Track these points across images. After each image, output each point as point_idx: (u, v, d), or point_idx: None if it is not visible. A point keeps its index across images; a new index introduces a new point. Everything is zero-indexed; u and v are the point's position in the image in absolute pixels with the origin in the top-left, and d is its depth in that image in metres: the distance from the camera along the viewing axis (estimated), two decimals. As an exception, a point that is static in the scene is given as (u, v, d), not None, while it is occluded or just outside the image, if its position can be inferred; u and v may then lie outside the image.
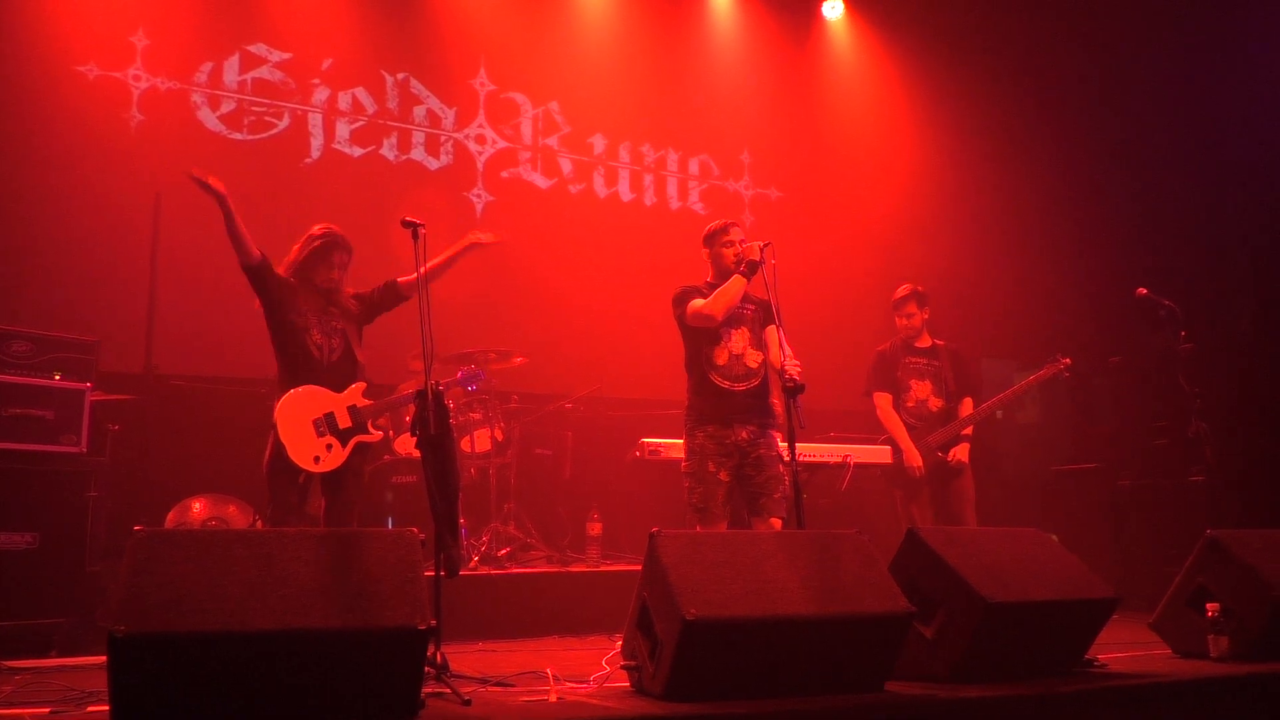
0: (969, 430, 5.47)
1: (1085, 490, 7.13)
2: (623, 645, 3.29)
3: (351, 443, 4.22)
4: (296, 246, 4.31)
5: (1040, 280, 7.89)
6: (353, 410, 4.26)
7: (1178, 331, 5.12)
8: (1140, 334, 6.30)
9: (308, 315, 4.24)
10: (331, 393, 4.23)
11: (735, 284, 4.23)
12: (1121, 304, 6.09)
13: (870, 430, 5.73)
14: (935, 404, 5.48)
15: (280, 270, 4.26)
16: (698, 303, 4.30)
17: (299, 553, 2.79)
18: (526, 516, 6.00)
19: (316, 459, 4.11)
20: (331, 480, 4.20)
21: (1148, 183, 7.75)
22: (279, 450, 4.08)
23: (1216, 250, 7.23)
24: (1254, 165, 7.08)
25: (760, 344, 4.39)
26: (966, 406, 5.54)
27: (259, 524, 4.97)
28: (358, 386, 4.31)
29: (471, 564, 5.41)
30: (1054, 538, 4.06)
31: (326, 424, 4.18)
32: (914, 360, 5.53)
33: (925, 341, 5.58)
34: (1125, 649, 4.09)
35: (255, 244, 4.17)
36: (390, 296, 4.45)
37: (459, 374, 4.94)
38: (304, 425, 4.13)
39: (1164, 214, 7.62)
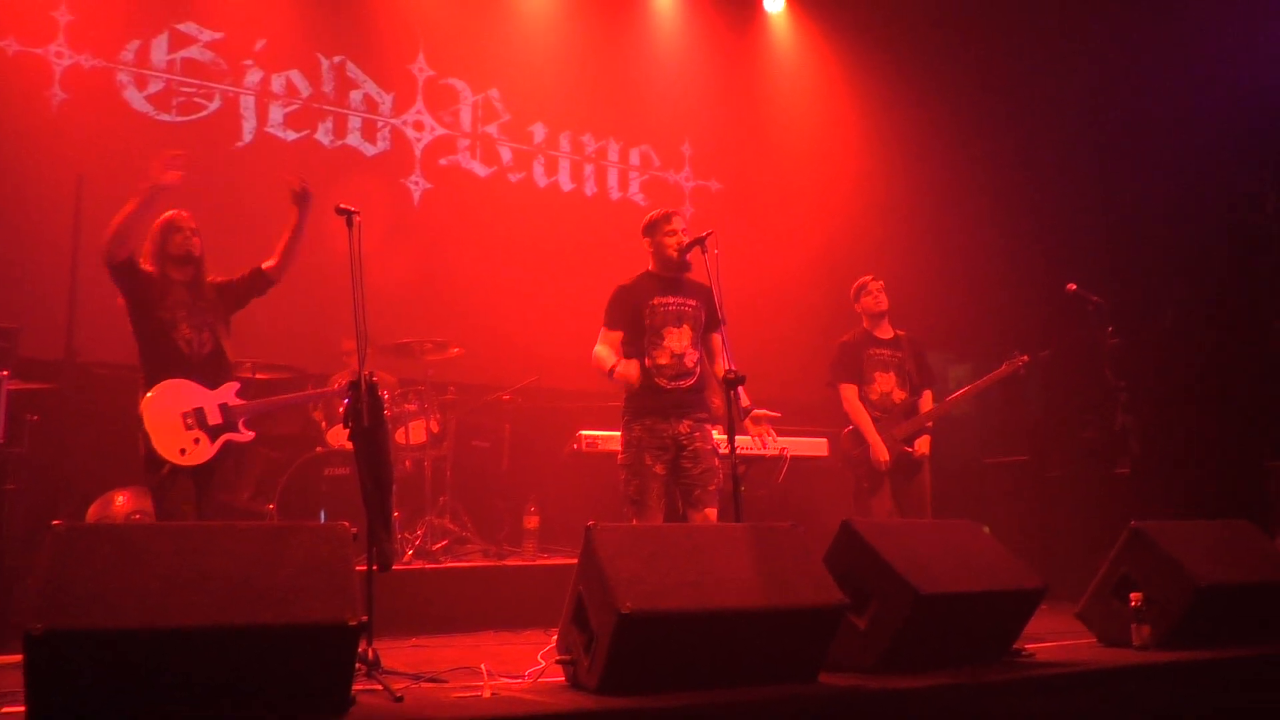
0: (929, 424, 5.53)
1: (1015, 482, 7.25)
2: (558, 640, 3.29)
3: (221, 440, 4.17)
4: (148, 238, 4.24)
5: (975, 275, 8.04)
6: (224, 408, 4.21)
7: (1105, 326, 5.23)
8: (1069, 329, 6.45)
9: (175, 310, 4.18)
10: (203, 388, 4.19)
11: (619, 371, 4.22)
12: (1052, 300, 6.19)
13: (806, 422, 5.77)
14: (899, 396, 5.49)
15: (143, 264, 4.20)
16: (598, 350, 4.33)
17: (226, 547, 2.75)
18: (462, 509, 5.97)
19: (182, 451, 4.06)
20: (202, 477, 4.15)
21: (1079, 181, 7.93)
22: (147, 442, 4.04)
23: (1142, 248, 7.43)
24: (1180, 165, 7.28)
25: (698, 341, 4.43)
26: (927, 400, 5.57)
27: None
28: (231, 385, 4.27)
29: (405, 558, 5.36)
30: (986, 529, 4.16)
31: (195, 418, 4.13)
32: (878, 351, 5.53)
33: (888, 332, 5.58)
34: (1052, 638, 4.19)
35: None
36: (257, 284, 4.39)
37: (335, 384, 4.85)
38: (172, 418, 4.09)
39: (1094, 212, 7.81)
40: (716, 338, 4.41)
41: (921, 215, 8.33)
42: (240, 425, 4.25)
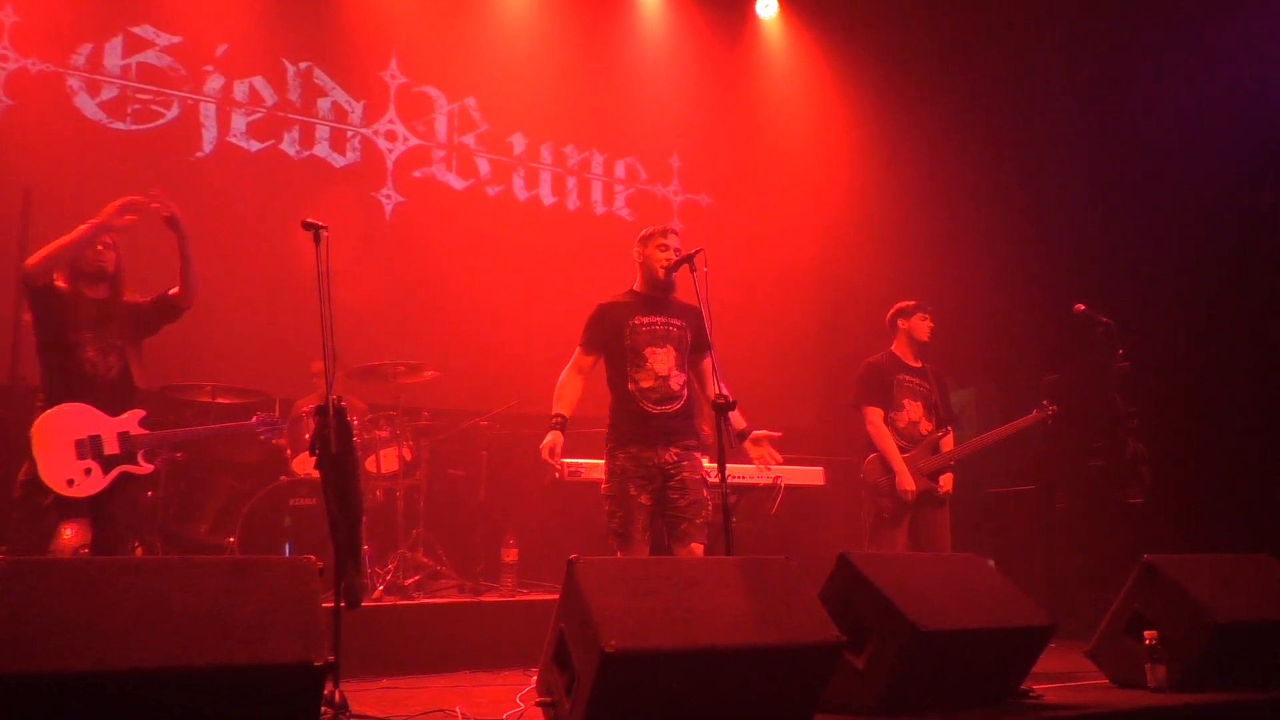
0: (953, 461, 5.53)
1: (1020, 513, 7.27)
2: (538, 680, 3.28)
3: (115, 471, 4.11)
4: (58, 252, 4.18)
5: (975, 294, 8.05)
6: (124, 437, 4.14)
7: (1114, 349, 5.23)
8: (1076, 352, 6.48)
9: (82, 330, 4.14)
10: (103, 414, 4.13)
11: (543, 446, 4.23)
12: (1058, 321, 6.21)
13: (801, 448, 5.76)
14: (925, 427, 5.50)
15: (55, 280, 4.17)
16: (561, 382, 4.38)
17: (184, 583, 2.73)
18: (437, 542, 5.95)
19: (70, 482, 3.99)
20: (94, 510, 4.07)
21: (1085, 199, 7.95)
22: (33, 469, 3.97)
23: (1154, 268, 7.45)
24: (1193, 178, 7.30)
25: (684, 363, 4.44)
26: (949, 438, 5.58)
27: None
28: (136, 413, 4.22)
29: (375, 594, 5.34)
30: (990, 563, 4.17)
31: (90, 446, 4.07)
32: (908, 379, 5.53)
33: (917, 361, 5.60)
34: (1061, 679, 4.19)
35: None
36: (162, 311, 4.38)
37: (255, 418, 4.83)
38: (64, 443, 4.02)
39: (1102, 230, 7.83)
40: (706, 362, 4.42)
41: (919, 231, 8.39)
42: (140, 457, 4.16)
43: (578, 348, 4.45)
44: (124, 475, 4.12)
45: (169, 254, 4.28)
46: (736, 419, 4.15)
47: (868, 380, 5.52)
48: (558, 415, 4.33)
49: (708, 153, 8.52)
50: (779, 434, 4.36)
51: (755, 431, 4.31)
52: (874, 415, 5.45)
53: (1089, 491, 6.91)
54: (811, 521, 6.00)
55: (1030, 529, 7.18)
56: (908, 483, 5.27)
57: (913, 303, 5.61)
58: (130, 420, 4.17)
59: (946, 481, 5.44)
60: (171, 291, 4.34)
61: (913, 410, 5.50)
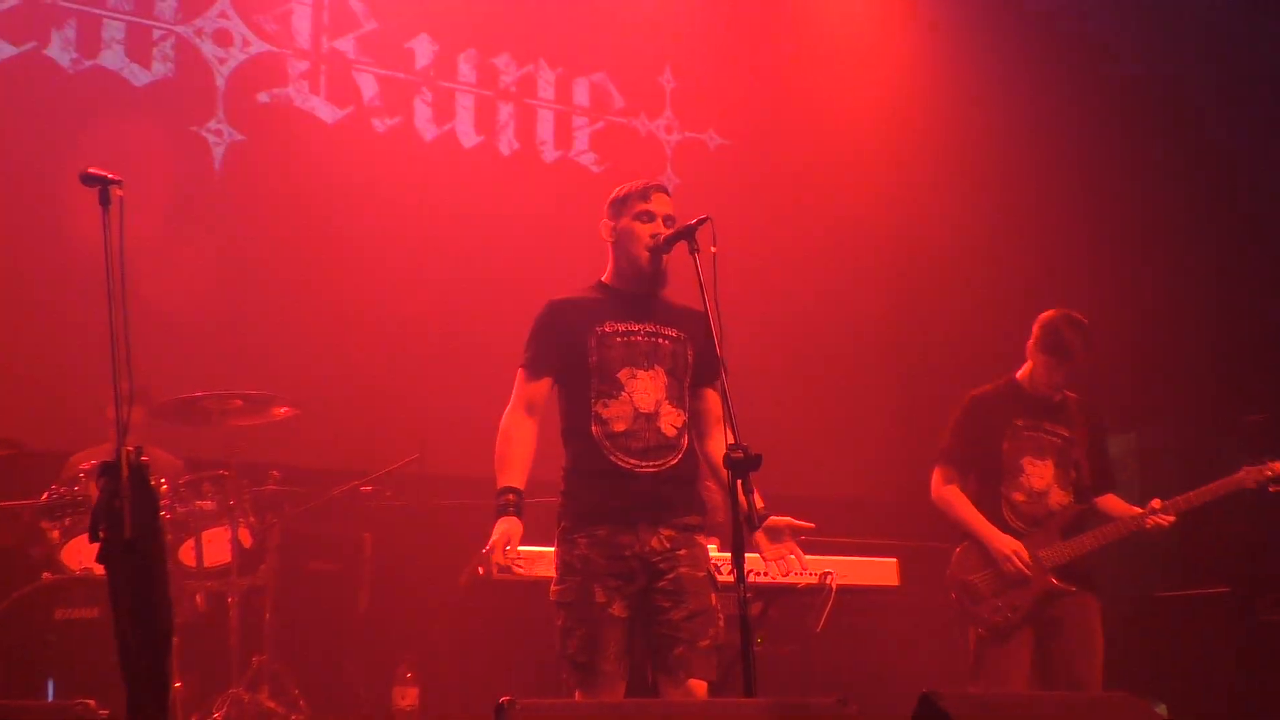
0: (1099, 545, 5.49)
1: (1209, 626, 7.23)
2: None
3: None
4: None
5: (1137, 291, 8.08)
6: None
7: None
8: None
9: None
10: None
11: (489, 546, 4.21)
12: (1261, 339, 6.21)
13: (862, 528, 5.85)
14: (1058, 499, 5.54)
15: None
16: (502, 431, 4.40)
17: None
18: (290, 676, 5.91)
19: None
20: None
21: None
22: None
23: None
24: None
25: (683, 396, 4.42)
26: (1110, 504, 5.62)
27: None
28: None
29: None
30: (1161, 709, 4.15)
31: None
32: (1035, 424, 5.59)
33: (1056, 393, 5.66)
34: None
35: None
36: None
37: (44, 496, 4.87)
38: None
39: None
40: (712, 393, 4.44)
41: (1038, 195, 8.40)
42: None
43: (519, 371, 4.44)
44: None
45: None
46: (754, 495, 4.03)
47: (964, 424, 5.64)
48: (508, 490, 4.28)
49: (717, 71, 8.53)
50: (810, 525, 4.33)
51: (774, 518, 4.26)
52: (945, 475, 5.60)
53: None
54: (880, 641, 6.02)
55: (1223, 649, 7.14)
56: (1009, 547, 5.34)
57: (1064, 317, 5.58)
58: None
59: (1087, 579, 5.46)
60: None
61: (1037, 474, 5.55)
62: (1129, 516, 5.52)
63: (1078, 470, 5.58)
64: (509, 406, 4.42)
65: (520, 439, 4.38)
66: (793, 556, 4.29)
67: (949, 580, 5.53)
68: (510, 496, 4.27)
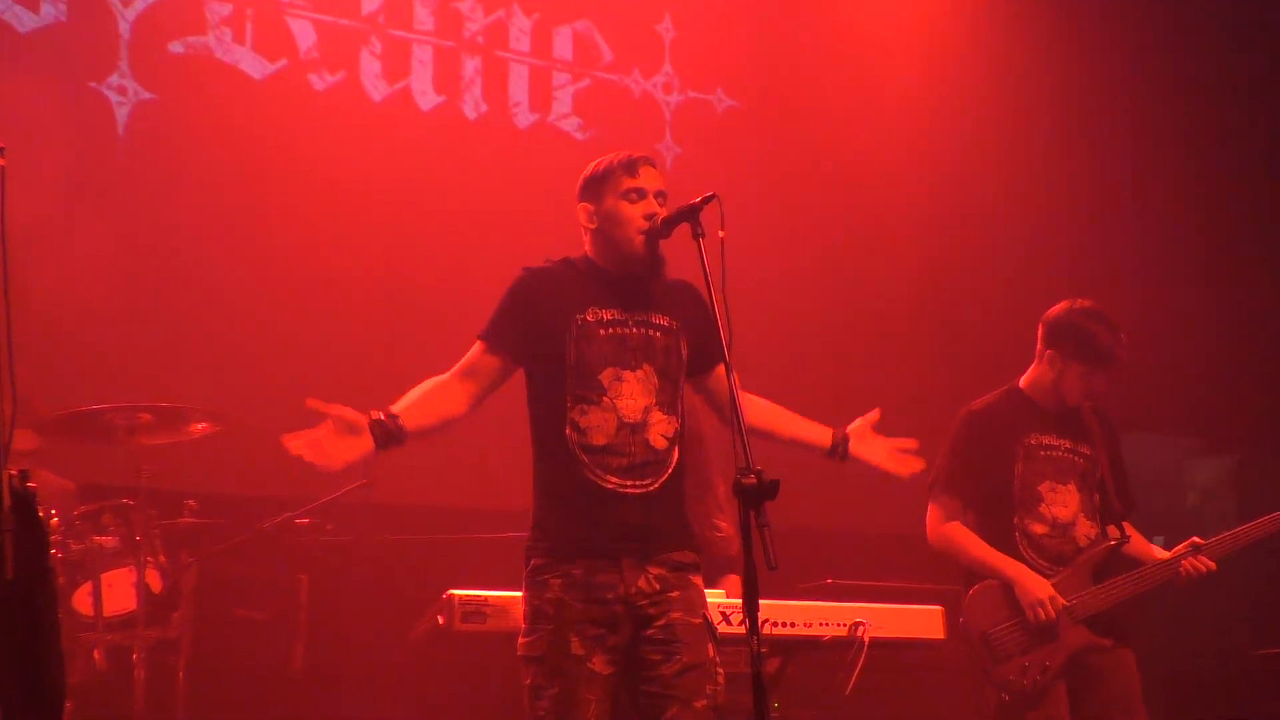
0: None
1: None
2: None
3: None
4: None
5: (1232, 307, 8.27)
6: None
7: None
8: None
9: None
10: None
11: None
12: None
13: (899, 570, 5.95)
14: (1085, 531, 5.55)
15: None
16: (431, 381, 4.44)
17: None
18: (209, 751, 6.00)
19: None
20: None
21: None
22: None
23: None
24: None
25: (675, 400, 4.44)
26: (1132, 541, 5.60)
27: None
28: None
29: None
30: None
31: None
32: (1050, 441, 5.61)
33: (1069, 405, 5.69)
34: None
35: None
36: None
37: None
38: None
39: None
40: (717, 382, 4.48)
41: (1096, 165, 8.60)
42: None
43: (475, 343, 4.45)
44: None
45: None
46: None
47: (960, 447, 5.64)
48: (385, 414, 4.31)
49: (725, 16, 8.60)
50: (914, 443, 4.61)
51: (850, 427, 4.57)
52: (946, 524, 5.61)
53: None
54: (921, 706, 6.02)
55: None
56: (1037, 587, 5.34)
57: (1090, 312, 5.62)
58: None
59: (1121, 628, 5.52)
60: None
61: (1058, 501, 5.56)
62: (1160, 562, 5.56)
63: (1103, 494, 5.62)
64: (450, 373, 4.44)
65: (437, 393, 4.42)
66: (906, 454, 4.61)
67: (964, 630, 5.51)
68: (385, 420, 4.31)
